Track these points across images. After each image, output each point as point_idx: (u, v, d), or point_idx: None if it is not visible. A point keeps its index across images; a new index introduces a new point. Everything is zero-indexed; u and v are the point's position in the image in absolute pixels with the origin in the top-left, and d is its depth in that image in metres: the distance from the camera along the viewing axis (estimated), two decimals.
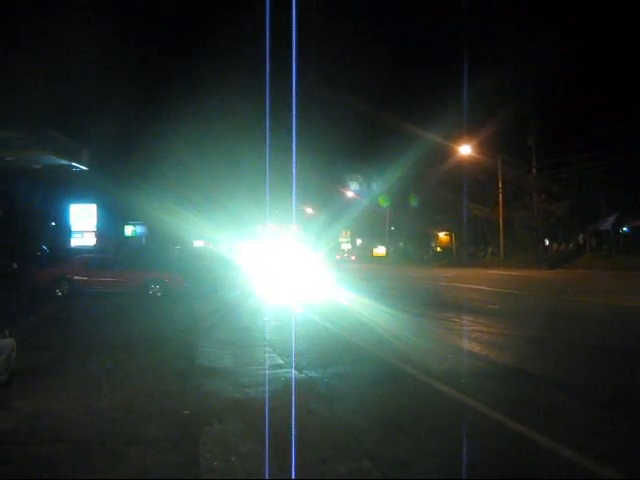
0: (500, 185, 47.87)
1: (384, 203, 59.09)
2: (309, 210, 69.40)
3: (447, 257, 57.77)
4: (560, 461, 5.55)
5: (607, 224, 48.55)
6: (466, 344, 11.80)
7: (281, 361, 10.39)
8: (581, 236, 52.17)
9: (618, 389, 8.18)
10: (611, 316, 15.81)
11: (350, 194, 62.40)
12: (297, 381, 8.85)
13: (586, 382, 8.59)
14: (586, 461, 5.50)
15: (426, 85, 52.86)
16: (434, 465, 5.53)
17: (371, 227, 64.51)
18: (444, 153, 48.06)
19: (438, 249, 64.59)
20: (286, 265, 32.59)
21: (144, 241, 50.30)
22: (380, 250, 64.83)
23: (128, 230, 52.51)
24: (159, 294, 22.47)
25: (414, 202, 57.48)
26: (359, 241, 66.47)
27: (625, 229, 50.16)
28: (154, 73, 45.73)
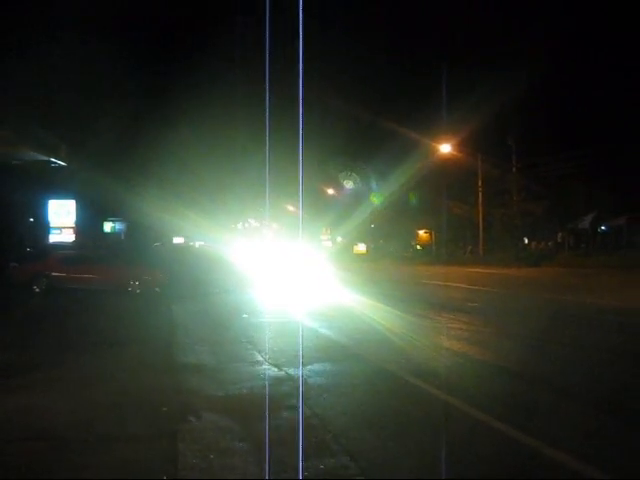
0: (480, 184, 48.10)
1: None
2: (290, 208, 69.39)
3: (427, 255, 57.96)
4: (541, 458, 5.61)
5: (585, 223, 49.05)
6: (447, 342, 11.85)
7: (260, 358, 10.38)
8: (560, 234, 52.60)
9: (590, 384, 8.28)
10: (586, 314, 15.97)
11: (330, 192, 62.44)
12: (276, 378, 8.84)
13: (562, 379, 8.68)
14: (564, 456, 5.56)
15: (408, 84, 52.94)
16: (413, 463, 5.55)
17: (351, 224, 64.66)
18: (425, 152, 48.19)
19: (418, 247, 64.80)
20: (267, 261, 32.52)
21: (123, 237, 50.02)
22: (361, 248, 64.93)
23: (107, 226, 52.20)
24: (138, 291, 22.31)
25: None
26: (339, 239, 66.45)
27: (603, 228, 50.68)
28: (139, 68, 45.39)
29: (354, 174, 60.27)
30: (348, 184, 61.37)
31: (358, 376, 8.96)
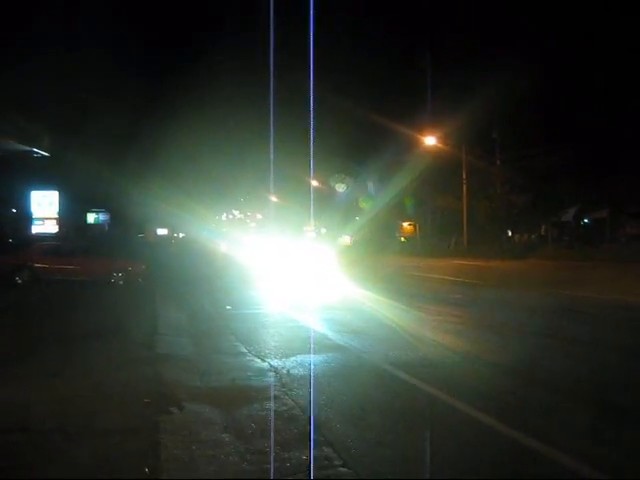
0: (464, 176, 48.20)
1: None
2: (274, 199, 69.34)
3: (411, 247, 58.01)
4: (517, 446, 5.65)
5: (568, 215, 49.30)
6: (431, 334, 11.89)
7: (244, 349, 10.37)
8: (543, 227, 52.81)
9: (570, 374, 8.35)
10: (568, 306, 16.07)
11: (315, 184, 62.40)
12: (259, 369, 8.84)
13: (540, 369, 8.74)
14: (537, 444, 5.63)
15: (394, 78, 52.80)
16: (394, 453, 5.57)
17: (336, 216, 64.64)
18: (410, 144, 48.21)
19: (402, 239, 64.82)
20: (254, 252, 32.55)
21: (107, 228, 49.76)
22: (345, 239, 64.88)
23: (91, 217, 51.88)
24: (121, 282, 22.22)
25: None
26: (324, 230, 66.43)
27: (586, 220, 50.99)
28: (123, 56, 45.03)
29: (346, 177, 60.43)
30: (340, 187, 61.50)
31: (341, 367, 8.97)
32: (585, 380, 8.18)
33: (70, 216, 43.88)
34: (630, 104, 37.86)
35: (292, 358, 9.49)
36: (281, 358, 9.50)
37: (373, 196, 58.02)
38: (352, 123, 51.27)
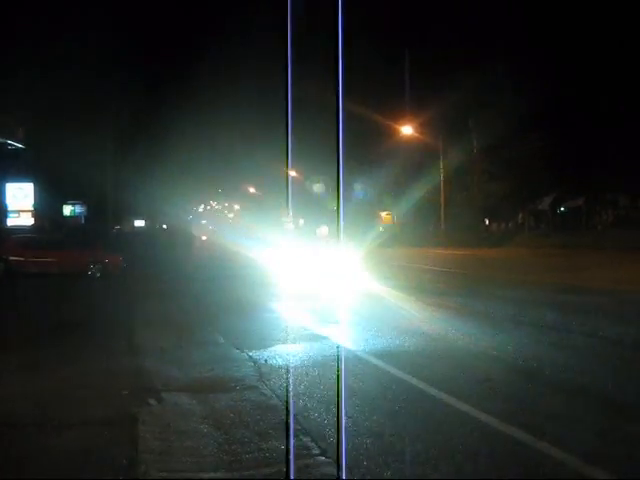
0: (442, 165, 48.35)
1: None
2: (252, 190, 69.16)
3: (389, 236, 58.12)
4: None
5: (545, 204, 49.74)
6: (409, 323, 11.96)
7: (222, 340, 10.37)
8: (520, 216, 53.22)
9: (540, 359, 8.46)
10: (541, 294, 16.24)
11: (293, 174, 62.26)
12: (237, 360, 8.85)
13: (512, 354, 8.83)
14: (507, 427, 5.72)
15: (371, 67, 52.65)
16: (372, 442, 5.58)
17: (313, 208, 64.71)
18: (388, 134, 48.25)
19: (380, 229, 64.91)
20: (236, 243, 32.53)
21: (83, 221, 49.30)
22: (323, 230, 64.90)
23: (67, 209, 51.34)
24: (98, 274, 22.09)
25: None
26: (302, 221, 66.41)
27: (562, 209, 51.46)
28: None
29: (321, 179, 60.36)
30: (317, 188, 61.44)
31: (318, 357, 8.99)
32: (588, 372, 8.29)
33: (46, 208, 43.42)
34: (608, 92, 38.18)
35: (270, 348, 9.55)
36: (259, 349, 9.50)
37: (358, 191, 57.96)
38: (329, 113, 51.13)
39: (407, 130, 45.78)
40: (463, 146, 47.37)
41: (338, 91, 5.53)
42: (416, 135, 46.33)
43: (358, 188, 58.79)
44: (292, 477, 4.73)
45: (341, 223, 18.22)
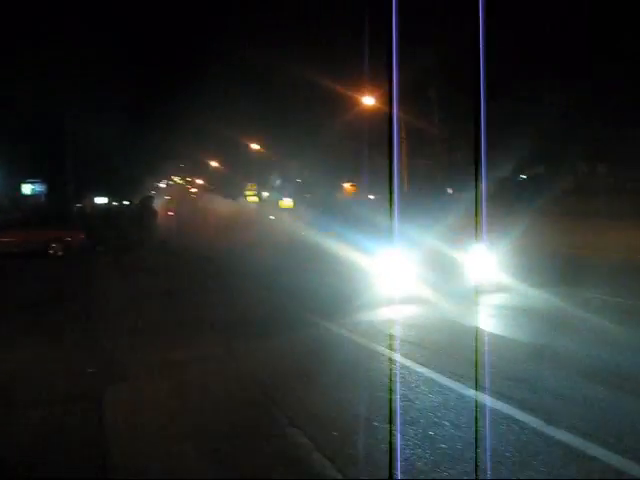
0: (403, 135, 48.39)
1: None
2: (214, 163, 68.50)
3: None
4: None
5: (505, 172, 50.21)
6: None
7: (189, 317, 10.28)
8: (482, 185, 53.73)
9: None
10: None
11: (255, 147, 61.79)
12: (204, 336, 8.80)
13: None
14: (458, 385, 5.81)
15: (330, 36, 52.19)
16: (342, 412, 5.59)
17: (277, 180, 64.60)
18: (349, 104, 48.04)
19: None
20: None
21: (44, 199, 48.42)
22: (287, 202, 64.74)
23: (26, 188, 50.34)
24: (60, 253, 21.77)
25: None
26: (265, 194, 66.09)
27: (523, 177, 52.02)
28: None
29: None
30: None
31: (288, 329, 8.97)
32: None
33: (4, 188, 42.61)
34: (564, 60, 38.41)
35: (240, 327, 9.50)
36: (230, 326, 9.47)
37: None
38: (289, 86, 50.81)
39: (368, 101, 45.58)
40: (425, 116, 47.49)
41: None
42: (378, 105, 46.21)
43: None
44: None
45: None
